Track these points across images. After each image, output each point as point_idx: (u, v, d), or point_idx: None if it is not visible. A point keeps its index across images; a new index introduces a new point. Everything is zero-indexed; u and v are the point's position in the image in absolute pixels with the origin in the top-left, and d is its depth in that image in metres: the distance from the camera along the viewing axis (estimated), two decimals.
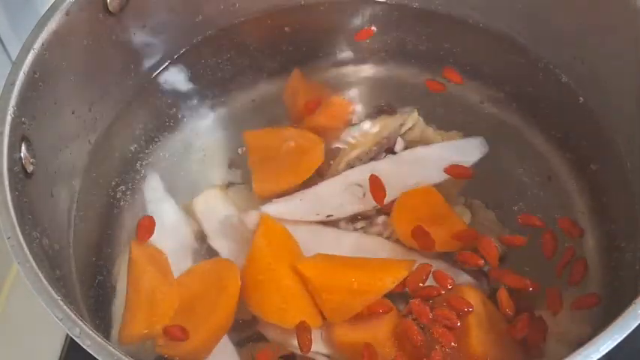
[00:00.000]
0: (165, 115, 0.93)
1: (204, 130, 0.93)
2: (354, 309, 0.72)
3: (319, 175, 0.86)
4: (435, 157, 0.85)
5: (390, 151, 0.86)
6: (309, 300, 0.73)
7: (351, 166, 0.85)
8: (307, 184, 0.85)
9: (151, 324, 0.73)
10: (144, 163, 0.89)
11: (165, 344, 0.73)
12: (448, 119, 0.90)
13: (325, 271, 0.73)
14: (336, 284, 0.72)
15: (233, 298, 0.74)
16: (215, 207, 0.83)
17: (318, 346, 0.73)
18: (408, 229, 0.78)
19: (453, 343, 0.70)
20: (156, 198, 0.86)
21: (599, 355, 0.56)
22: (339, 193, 0.82)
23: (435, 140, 0.87)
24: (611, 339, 0.56)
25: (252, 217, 0.79)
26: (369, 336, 0.72)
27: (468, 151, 0.86)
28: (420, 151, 0.85)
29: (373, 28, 0.98)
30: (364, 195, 0.82)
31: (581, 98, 0.89)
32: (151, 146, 0.90)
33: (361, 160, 0.86)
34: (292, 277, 0.74)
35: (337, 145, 0.89)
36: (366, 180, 0.82)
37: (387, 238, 0.80)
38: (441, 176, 0.83)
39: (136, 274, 0.77)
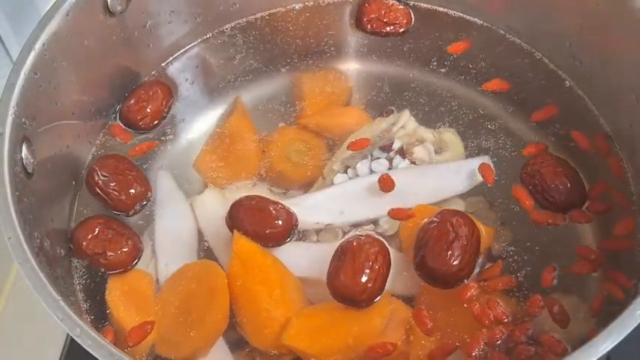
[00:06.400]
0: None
1: (204, 130, 0.92)
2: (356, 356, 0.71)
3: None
4: (438, 179, 0.84)
5: (389, 149, 0.86)
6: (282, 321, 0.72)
7: (345, 165, 0.85)
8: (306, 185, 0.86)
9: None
10: (144, 164, 0.88)
11: (164, 346, 0.74)
12: (441, 118, 0.89)
13: (315, 337, 0.71)
14: (333, 347, 0.70)
15: (224, 302, 0.73)
16: (212, 207, 0.83)
17: None
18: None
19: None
20: (168, 195, 0.85)
21: (599, 355, 0.56)
22: (337, 201, 0.82)
23: (427, 138, 0.87)
24: (610, 339, 0.56)
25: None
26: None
27: (473, 170, 0.84)
28: (424, 169, 0.85)
29: (465, 43, 0.96)
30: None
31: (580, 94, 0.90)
32: (152, 146, 0.90)
33: (355, 158, 0.85)
34: (270, 298, 0.73)
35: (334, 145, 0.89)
36: (363, 190, 0.82)
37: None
38: (438, 197, 0.83)
39: (110, 312, 0.77)
